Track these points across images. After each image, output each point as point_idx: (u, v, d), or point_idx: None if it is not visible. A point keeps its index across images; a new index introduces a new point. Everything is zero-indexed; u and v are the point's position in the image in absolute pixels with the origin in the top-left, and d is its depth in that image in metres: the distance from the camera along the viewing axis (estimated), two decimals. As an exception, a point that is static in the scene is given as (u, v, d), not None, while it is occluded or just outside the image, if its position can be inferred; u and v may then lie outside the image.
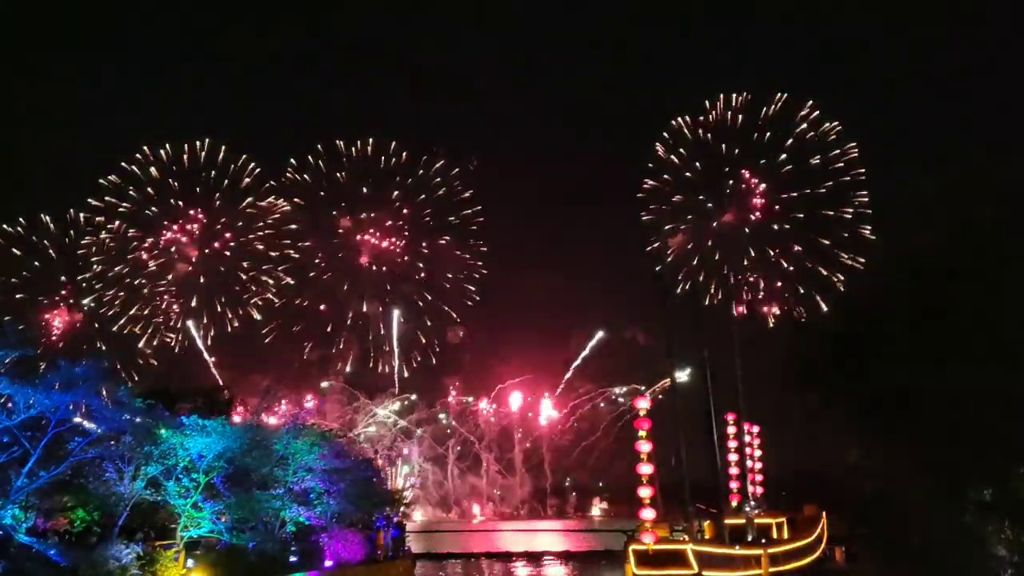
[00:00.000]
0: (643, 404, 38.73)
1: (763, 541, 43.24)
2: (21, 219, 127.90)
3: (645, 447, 37.92)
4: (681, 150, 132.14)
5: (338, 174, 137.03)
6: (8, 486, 29.49)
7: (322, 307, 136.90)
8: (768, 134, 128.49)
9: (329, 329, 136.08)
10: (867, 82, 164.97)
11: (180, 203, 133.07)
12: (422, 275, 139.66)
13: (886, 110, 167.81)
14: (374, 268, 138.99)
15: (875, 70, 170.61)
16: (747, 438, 53.60)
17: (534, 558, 62.99)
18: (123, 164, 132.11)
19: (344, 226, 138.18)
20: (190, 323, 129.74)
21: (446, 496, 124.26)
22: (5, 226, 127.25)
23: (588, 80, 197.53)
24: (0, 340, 30.93)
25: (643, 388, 40.98)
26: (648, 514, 36.97)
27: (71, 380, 30.74)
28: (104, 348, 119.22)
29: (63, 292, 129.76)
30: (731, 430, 52.08)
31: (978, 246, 19.74)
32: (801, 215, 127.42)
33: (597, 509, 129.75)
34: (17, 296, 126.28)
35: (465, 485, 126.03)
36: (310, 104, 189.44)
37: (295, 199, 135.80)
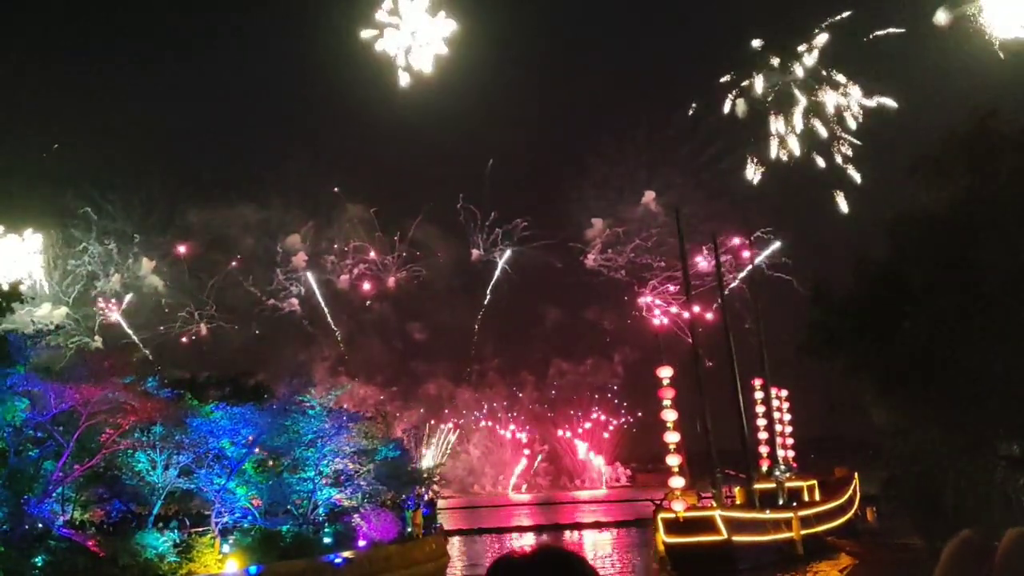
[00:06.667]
0: (666, 372, 38.64)
1: (794, 504, 43.16)
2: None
3: (671, 416, 37.90)
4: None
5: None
6: (44, 480, 30.11)
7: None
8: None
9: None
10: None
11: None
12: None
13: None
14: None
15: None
16: (775, 403, 53.39)
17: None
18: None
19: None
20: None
21: (443, 475, 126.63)
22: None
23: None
24: (32, 338, 31.51)
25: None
26: (677, 482, 37.03)
27: (100, 373, 31.15)
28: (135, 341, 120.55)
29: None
30: (759, 395, 51.90)
31: (996, 198, 19.32)
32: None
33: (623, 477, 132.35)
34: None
35: (459, 465, 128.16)
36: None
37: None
